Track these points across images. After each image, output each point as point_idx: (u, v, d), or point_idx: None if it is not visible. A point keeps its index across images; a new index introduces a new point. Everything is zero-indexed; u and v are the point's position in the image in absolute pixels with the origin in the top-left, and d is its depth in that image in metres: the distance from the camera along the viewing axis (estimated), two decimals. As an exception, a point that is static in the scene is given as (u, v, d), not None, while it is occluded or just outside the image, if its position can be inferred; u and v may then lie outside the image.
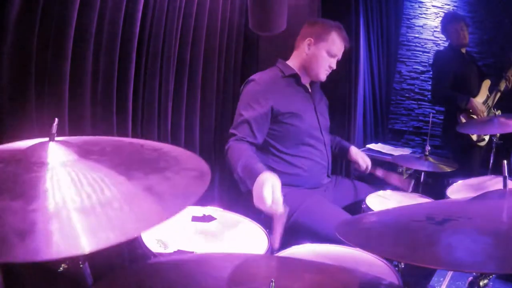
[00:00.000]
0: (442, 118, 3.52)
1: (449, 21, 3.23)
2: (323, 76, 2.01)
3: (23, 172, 0.70)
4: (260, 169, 1.53)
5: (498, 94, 3.20)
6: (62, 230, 0.59)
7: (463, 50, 3.21)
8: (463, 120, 3.07)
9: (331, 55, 1.97)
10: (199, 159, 0.90)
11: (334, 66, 2.01)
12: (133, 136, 1.83)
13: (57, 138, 0.78)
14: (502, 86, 3.18)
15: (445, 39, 4.16)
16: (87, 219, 0.62)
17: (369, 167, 2.16)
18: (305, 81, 2.05)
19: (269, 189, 1.41)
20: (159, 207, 0.70)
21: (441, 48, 4.08)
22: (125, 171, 0.76)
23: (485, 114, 3.08)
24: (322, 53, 1.96)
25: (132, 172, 0.76)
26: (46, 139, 0.77)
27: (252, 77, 1.97)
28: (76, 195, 0.66)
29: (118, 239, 0.60)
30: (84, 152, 0.79)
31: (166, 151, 0.91)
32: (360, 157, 2.18)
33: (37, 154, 0.74)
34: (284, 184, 1.89)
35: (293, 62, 2.03)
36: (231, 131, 1.86)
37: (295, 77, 2.00)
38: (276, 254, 1.32)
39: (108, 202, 0.66)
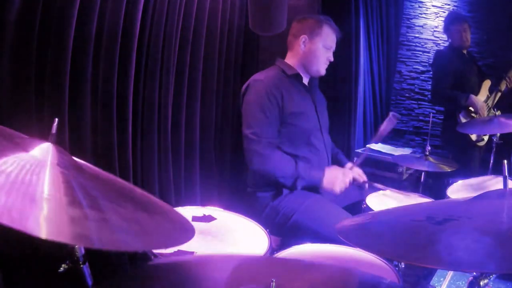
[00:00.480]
0: (442, 118, 3.52)
1: (452, 21, 3.20)
2: (323, 70, 2.03)
3: (15, 153, 0.71)
4: (319, 170, 1.91)
5: (498, 95, 3.20)
6: (29, 208, 0.59)
7: (464, 51, 3.20)
8: (463, 119, 3.07)
9: (327, 48, 2.00)
10: (185, 219, 0.91)
11: (332, 59, 2.03)
12: (133, 136, 1.83)
13: (61, 148, 0.80)
14: (503, 86, 3.18)
15: (445, 38, 4.16)
16: (59, 212, 0.62)
17: (365, 180, 2.12)
18: (305, 80, 2.06)
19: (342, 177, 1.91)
20: (141, 236, 0.71)
21: (441, 48, 4.08)
22: (115, 198, 0.77)
23: (485, 112, 3.08)
24: (319, 47, 1.98)
25: (122, 202, 0.77)
26: (49, 142, 0.78)
27: (257, 77, 1.95)
28: (56, 192, 0.67)
29: (96, 245, 0.60)
30: (80, 168, 0.80)
31: (155, 201, 0.93)
32: (356, 173, 2.15)
33: (35, 146, 0.75)
34: (286, 186, 1.90)
35: (292, 62, 2.03)
36: (253, 136, 1.82)
37: (297, 77, 2.01)
38: (277, 254, 1.32)
39: (97, 210, 0.67)
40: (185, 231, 0.84)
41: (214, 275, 0.88)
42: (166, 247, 0.73)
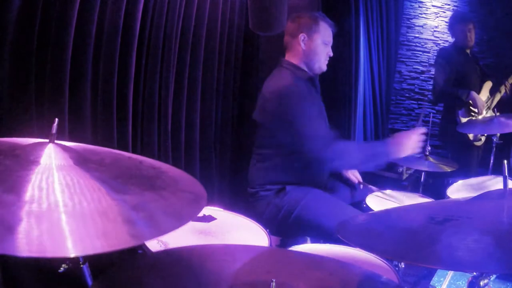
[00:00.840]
0: (439, 117, 3.52)
1: (457, 21, 3.18)
2: (324, 66, 2.04)
3: (19, 168, 0.71)
4: (383, 142, 1.91)
5: (498, 97, 3.21)
6: (50, 231, 0.59)
7: (467, 50, 3.20)
8: (462, 118, 3.07)
9: (326, 43, 2.00)
10: (197, 182, 0.90)
11: (331, 53, 2.04)
12: (133, 136, 1.83)
13: (59, 142, 0.79)
14: (502, 90, 3.19)
15: (445, 38, 4.16)
16: (77, 224, 0.62)
17: (360, 180, 2.14)
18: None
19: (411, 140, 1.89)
20: (151, 224, 0.70)
21: (443, 46, 4.07)
22: (122, 184, 0.77)
23: (484, 111, 3.09)
24: (319, 44, 1.98)
25: (129, 187, 0.77)
26: (47, 140, 0.78)
27: (281, 84, 1.89)
28: (69, 200, 0.67)
29: (105, 248, 0.60)
30: (83, 160, 0.79)
31: (164, 170, 0.92)
32: (350, 173, 2.18)
33: (36, 153, 0.75)
34: (291, 183, 1.89)
35: (295, 62, 2.02)
36: (314, 141, 1.78)
37: (311, 79, 2.00)
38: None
39: (101, 211, 0.67)
40: (196, 200, 0.83)
41: (214, 267, 0.88)
42: (174, 229, 0.71)
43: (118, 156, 0.94)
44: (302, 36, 1.96)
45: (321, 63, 2.01)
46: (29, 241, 0.56)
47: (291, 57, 2.04)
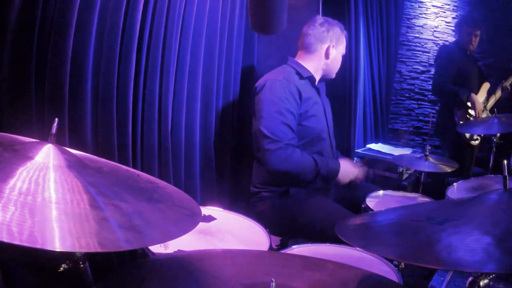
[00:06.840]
0: (436, 116, 3.53)
1: (466, 23, 3.19)
2: (334, 74, 2.09)
3: (17, 162, 0.72)
4: (336, 162, 1.97)
5: (494, 99, 3.23)
6: (42, 223, 0.61)
7: (468, 51, 3.22)
8: (459, 120, 3.08)
9: (343, 54, 2.06)
10: (192, 200, 0.91)
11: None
12: (133, 136, 1.83)
13: (60, 146, 0.80)
14: (498, 93, 3.21)
15: (445, 39, 4.16)
16: (68, 221, 0.63)
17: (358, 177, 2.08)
18: (317, 82, 2.06)
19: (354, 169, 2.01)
20: (146, 232, 0.70)
21: (443, 44, 4.07)
22: (118, 192, 0.77)
23: (482, 114, 3.10)
24: (340, 54, 2.03)
25: (125, 195, 0.78)
26: (47, 141, 0.79)
27: (273, 77, 1.90)
28: (62, 198, 0.68)
29: (95, 248, 0.61)
30: (81, 164, 0.80)
31: (161, 186, 0.93)
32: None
33: (35, 150, 0.76)
34: (295, 186, 1.89)
35: (307, 64, 2.00)
36: (271, 135, 1.78)
37: (311, 79, 2.00)
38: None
39: (95, 213, 0.67)
40: (192, 216, 0.84)
41: (214, 271, 0.89)
42: (167, 240, 0.73)
43: (116, 167, 0.96)
44: (332, 44, 1.97)
45: (335, 72, 2.06)
46: (21, 230, 0.58)
47: (307, 59, 2.01)
